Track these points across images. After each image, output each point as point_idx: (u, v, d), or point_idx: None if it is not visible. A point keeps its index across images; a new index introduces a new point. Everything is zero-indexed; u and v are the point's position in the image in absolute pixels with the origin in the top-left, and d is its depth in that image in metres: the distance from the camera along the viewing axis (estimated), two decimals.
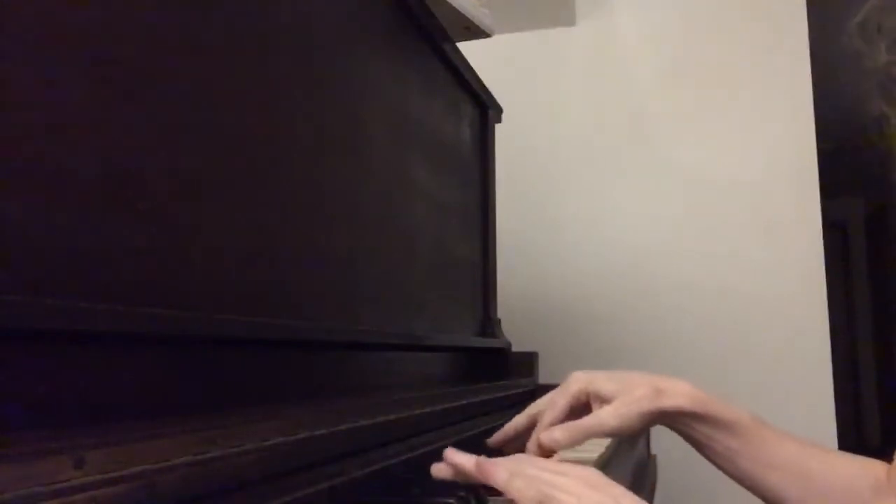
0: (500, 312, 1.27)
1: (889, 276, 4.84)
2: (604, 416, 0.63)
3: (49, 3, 0.41)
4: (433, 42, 1.03)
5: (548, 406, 0.67)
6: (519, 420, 0.70)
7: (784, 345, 1.63)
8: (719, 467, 0.66)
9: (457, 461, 0.55)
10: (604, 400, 0.65)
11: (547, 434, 0.64)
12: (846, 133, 3.78)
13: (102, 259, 0.43)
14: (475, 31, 1.15)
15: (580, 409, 0.67)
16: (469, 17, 1.11)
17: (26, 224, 0.38)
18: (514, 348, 1.27)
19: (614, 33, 1.83)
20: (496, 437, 0.71)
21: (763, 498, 0.65)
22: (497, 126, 1.33)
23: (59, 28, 0.41)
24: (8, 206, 0.38)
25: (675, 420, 0.64)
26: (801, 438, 0.65)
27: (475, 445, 0.58)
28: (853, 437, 4.87)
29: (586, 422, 0.63)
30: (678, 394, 0.63)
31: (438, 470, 0.57)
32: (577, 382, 0.67)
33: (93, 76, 0.43)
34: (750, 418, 0.64)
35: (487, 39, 1.19)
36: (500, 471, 0.51)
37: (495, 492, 0.52)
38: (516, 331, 1.31)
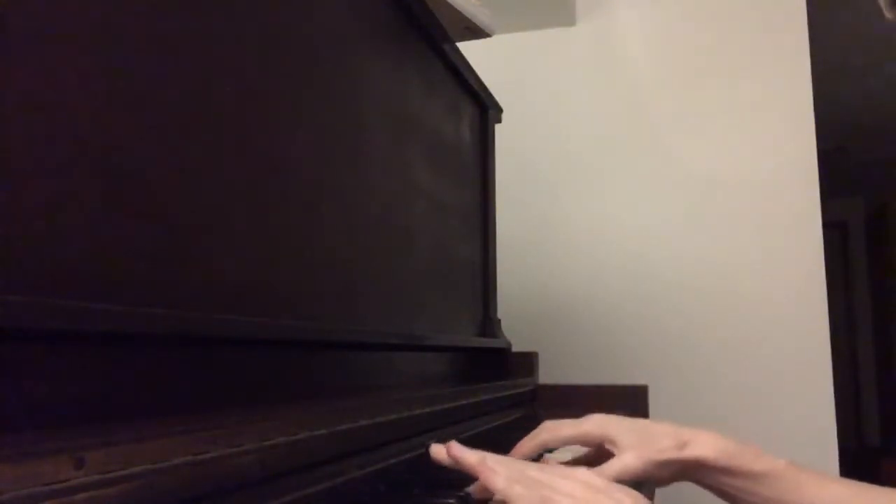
0: (500, 312, 1.27)
1: (889, 276, 4.83)
2: (628, 460, 0.60)
3: (50, 2, 0.41)
4: (433, 42, 1.03)
5: (550, 429, 0.65)
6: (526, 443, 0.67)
7: (784, 344, 1.63)
8: None
9: (460, 456, 0.54)
10: (622, 449, 0.62)
11: None
12: (846, 133, 3.78)
13: (102, 259, 0.43)
14: (475, 31, 1.15)
15: (593, 456, 0.65)
16: (469, 17, 1.11)
17: (26, 224, 0.38)
18: (514, 348, 1.27)
19: (614, 33, 1.83)
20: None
21: None
22: (497, 126, 1.33)
23: (60, 28, 0.41)
24: (8, 206, 0.38)
25: (702, 474, 0.61)
26: (844, 479, 0.60)
27: (475, 445, 0.58)
28: (853, 437, 4.87)
29: (610, 466, 0.61)
30: (704, 445, 0.60)
31: (438, 452, 0.56)
32: (590, 422, 0.64)
33: (93, 76, 0.43)
34: (784, 465, 0.60)
35: (487, 39, 1.19)
36: (499, 478, 0.50)
37: None
38: (516, 331, 1.31)
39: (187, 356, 0.50)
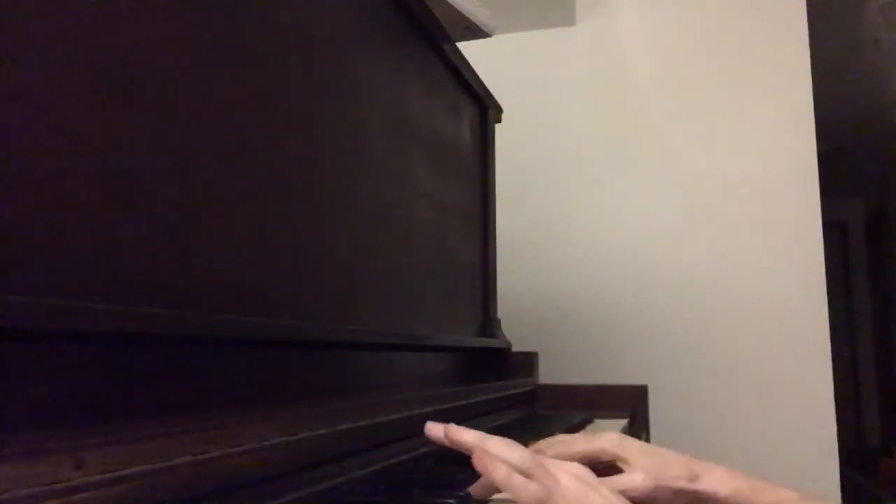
0: (500, 312, 1.27)
1: (889, 276, 4.84)
2: (637, 478, 0.61)
3: (50, 3, 0.41)
4: (433, 42, 1.03)
5: (566, 442, 0.65)
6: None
7: (784, 345, 1.63)
8: None
9: (459, 439, 0.54)
10: (634, 469, 0.62)
11: None
12: (846, 133, 3.78)
13: (102, 259, 0.43)
14: (475, 31, 1.15)
15: (600, 468, 0.65)
16: (469, 17, 1.11)
17: (26, 224, 0.38)
18: (514, 348, 1.27)
19: (614, 33, 1.83)
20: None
21: None
22: (497, 126, 1.33)
23: (60, 28, 0.41)
24: (8, 206, 0.38)
25: None
26: None
27: None
28: (853, 437, 4.87)
29: (619, 479, 0.61)
30: (715, 479, 0.61)
31: (433, 430, 0.56)
32: (606, 439, 0.64)
33: (93, 76, 0.43)
34: (797, 497, 0.60)
35: (487, 39, 1.19)
36: (500, 467, 0.50)
37: None
38: (516, 331, 1.31)
39: (187, 356, 0.50)
